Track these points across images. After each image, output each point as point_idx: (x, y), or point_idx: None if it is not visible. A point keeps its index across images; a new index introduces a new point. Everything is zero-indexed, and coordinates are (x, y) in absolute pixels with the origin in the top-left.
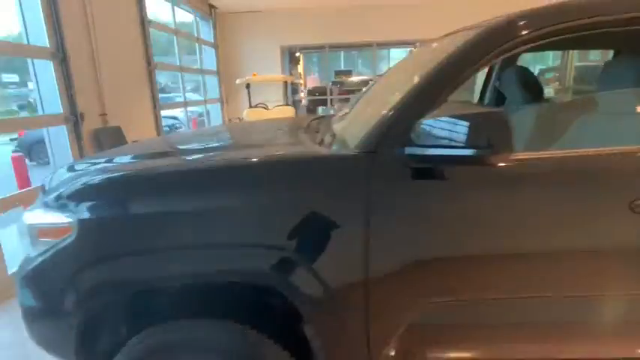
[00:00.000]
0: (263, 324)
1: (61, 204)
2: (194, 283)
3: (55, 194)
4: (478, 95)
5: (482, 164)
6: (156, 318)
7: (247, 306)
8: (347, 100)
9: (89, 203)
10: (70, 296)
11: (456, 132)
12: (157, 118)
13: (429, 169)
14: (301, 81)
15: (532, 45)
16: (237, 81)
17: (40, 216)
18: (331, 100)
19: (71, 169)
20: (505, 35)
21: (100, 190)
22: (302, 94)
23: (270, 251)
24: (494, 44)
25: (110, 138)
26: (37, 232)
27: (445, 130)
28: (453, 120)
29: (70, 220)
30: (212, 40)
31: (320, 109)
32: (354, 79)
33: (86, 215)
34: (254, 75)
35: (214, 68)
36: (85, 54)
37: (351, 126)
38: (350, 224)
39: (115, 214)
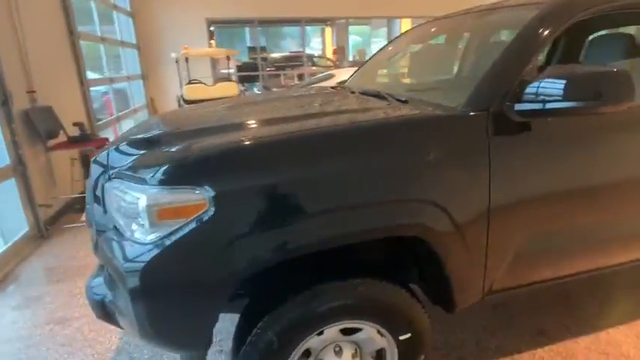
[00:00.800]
0: (395, 277)
1: (180, 180)
2: (341, 244)
3: (167, 170)
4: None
5: (587, 114)
6: (306, 284)
7: (386, 263)
8: (277, 75)
9: (224, 175)
10: (217, 275)
11: (559, 88)
12: (86, 97)
13: (535, 122)
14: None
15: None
16: (173, 55)
17: (158, 196)
18: (263, 76)
19: (139, 145)
20: (579, 6)
21: (238, 161)
22: (231, 70)
23: (417, 204)
24: (570, 15)
25: (43, 119)
26: (157, 214)
27: (547, 87)
28: (554, 79)
29: (203, 195)
30: (128, 9)
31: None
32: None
33: (225, 188)
34: (185, 49)
35: (133, 41)
36: (7, 23)
37: (429, 90)
38: (476, 173)
39: (260, 182)
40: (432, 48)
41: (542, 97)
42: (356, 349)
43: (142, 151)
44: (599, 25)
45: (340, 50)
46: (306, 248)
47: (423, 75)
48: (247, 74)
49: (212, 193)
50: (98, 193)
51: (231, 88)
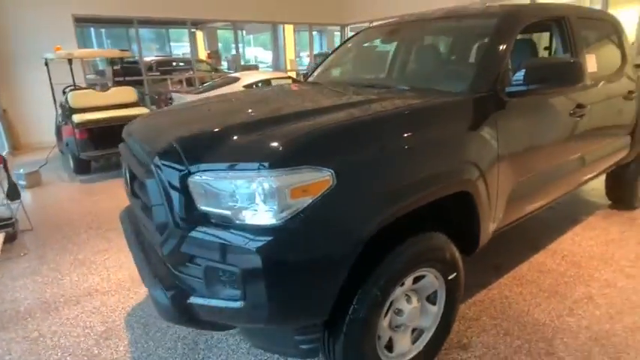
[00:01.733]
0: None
1: (306, 160)
2: (427, 202)
3: (293, 152)
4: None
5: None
6: (392, 245)
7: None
8: (163, 80)
9: (341, 152)
10: (345, 244)
11: (528, 75)
12: None
13: (518, 101)
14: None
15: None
16: (48, 55)
17: (288, 177)
18: (148, 80)
19: (225, 135)
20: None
21: (350, 138)
22: (90, 76)
23: (466, 165)
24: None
25: None
26: (290, 194)
27: (521, 75)
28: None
29: (327, 173)
30: None
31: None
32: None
33: (343, 164)
34: (57, 49)
35: None
36: None
37: (426, 78)
38: (490, 137)
39: (367, 156)
40: (415, 45)
41: (519, 82)
42: (417, 297)
43: (235, 140)
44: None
45: (215, 55)
46: (406, 208)
47: (409, 68)
48: (127, 79)
49: (334, 170)
50: (171, 192)
51: (128, 94)
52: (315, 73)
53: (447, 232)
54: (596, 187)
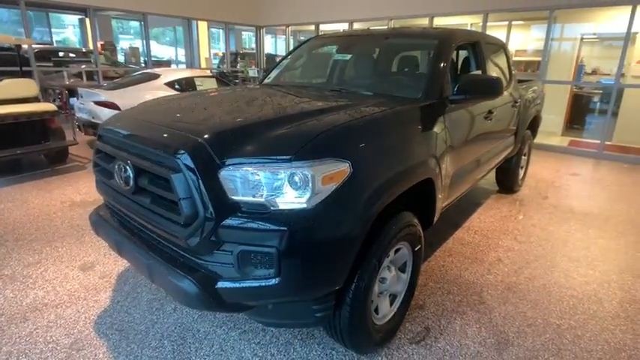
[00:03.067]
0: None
1: (333, 153)
2: (410, 186)
3: (323, 146)
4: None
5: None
6: (383, 222)
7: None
8: (58, 72)
9: (356, 145)
10: (361, 221)
11: (464, 87)
12: None
13: (457, 106)
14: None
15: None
16: None
17: (320, 167)
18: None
19: (252, 130)
20: (457, 39)
21: (358, 135)
22: None
23: (431, 157)
24: (455, 44)
25: None
26: (321, 181)
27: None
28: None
29: (347, 163)
30: None
31: None
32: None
33: (357, 155)
34: None
35: None
36: None
37: (385, 86)
38: (443, 134)
39: (372, 150)
40: (369, 57)
41: (455, 93)
42: (394, 267)
43: (264, 135)
44: None
45: (109, 46)
46: (397, 191)
47: (368, 77)
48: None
49: (350, 161)
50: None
51: (26, 87)
52: (272, 77)
53: (413, 211)
54: (488, 177)
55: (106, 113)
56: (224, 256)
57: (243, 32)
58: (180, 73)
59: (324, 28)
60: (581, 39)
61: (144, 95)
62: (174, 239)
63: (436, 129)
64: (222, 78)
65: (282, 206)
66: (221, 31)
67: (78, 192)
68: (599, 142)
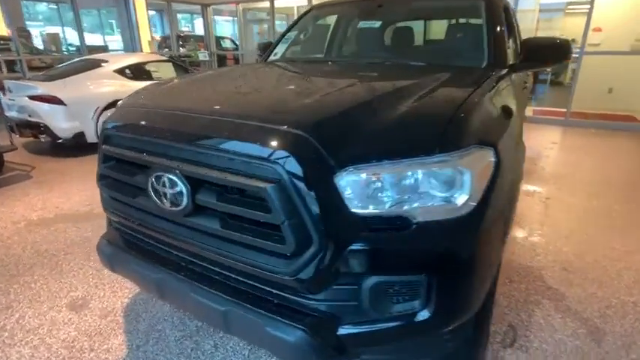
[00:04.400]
0: None
1: (472, 137)
2: None
3: (469, 137)
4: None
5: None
6: None
7: None
8: None
9: (489, 127)
10: (504, 228)
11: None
12: None
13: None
14: None
15: None
16: None
17: (471, 157)
18: None
19: (370, 115)
20: None
21: (485, 113)
22: None
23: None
24: None
25: None
26: (476, 177)
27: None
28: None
29: (490, 150)
30: None
31: None
32: None
33: (495, 138)
34: None
35: None
36: None
37: (438, 55)
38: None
39: (502, 129)
40: (406, 24)
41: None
42: None
43: (377, 122)
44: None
45: (22, 32)
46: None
47: (399, 46)
48: None
49: (494, 147)
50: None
51: None
52: (278, 53)
53: None
54: None
55: (46, 110)
56: (345, 292)
57: (178, 14)
58: (131, 58)
59: (280, 4)
60: (539, 10)
61: (90, 86)
62: (270, 275)
63: (513, 103)
64: (179, 63)
65: (427, 217)
66: (154, 12)
67: (31, 208)
68: (565, 110)
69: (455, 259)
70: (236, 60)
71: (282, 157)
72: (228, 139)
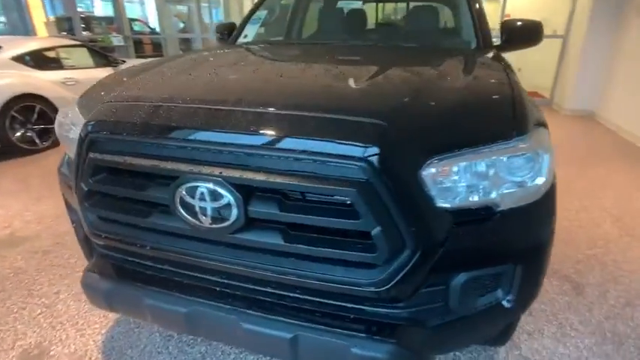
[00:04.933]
0: None
1: (533, 117)
2: None
3: (524, 110)
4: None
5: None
6: None
7: None
8: None
9: (533, 117)
10: None
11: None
12: None
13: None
14: None
15: None
16: None
17: (541, 137)
18: None
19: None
20: None
21: (527, 105)
22: None
23: None
24: None
25: None
26: (550, 157)
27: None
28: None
29: (547, 129)
30: None
31: None
32: None
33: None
34: None
35: None
36: None
37: (428, 37)
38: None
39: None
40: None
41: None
42: None
43: (443, 110)
44: None
45: None
46: None
47: (386, 28)
48: None
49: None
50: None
51: None
52: (249, 34)
53: None
54: None
55: None
56: (432, 295)
57: None
58: (32, 42)
59: None
60: None
61: None
62: (349, 289)
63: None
64: (97, 49)
65: (510, 203)
66: None
67: None
68: None
69: (536, 243)
70: (156, 46)
71: (370, 154)
72: (299, 135)
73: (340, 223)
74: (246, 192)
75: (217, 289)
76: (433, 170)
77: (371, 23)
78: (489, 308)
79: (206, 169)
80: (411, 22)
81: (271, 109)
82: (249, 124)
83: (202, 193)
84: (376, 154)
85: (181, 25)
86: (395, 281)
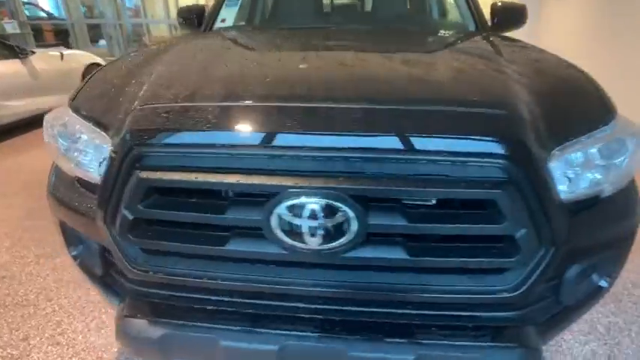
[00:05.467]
0: None
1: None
2: None
3: (604, 94)
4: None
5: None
6: None
7: None
8: None
9: None
10: None
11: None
12: None
13: None
14: None
15: None
16: None
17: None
18: None
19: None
20: None
21: None
22: None
23: None
24: None
25: None
26: None
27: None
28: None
29: None
30: None
31: None
32: None
33: None
34: None
35: None
36: None
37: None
38: None
39: None
40: None
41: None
42: None
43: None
44: None
45: None
46: None
47: (380, 10)
48: None
49: None
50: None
51: None
52: (226, 19)
53: None
54: None
55: None
56: (546, 290)
57: None
58: None
59: None
60: None
61: None
62: (476, 298)
63: None
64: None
65: (612, 189)
66: None
67: None
68: None
69: (632, 224)
70: (58, 33)
71: (513, 150)
72: (429, 134)
73: (481, 229)
74: (366, 204)
75: (316, 317)
76: (556, 162)
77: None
78: (590, 292)
79: (317, 181)
80: (414, 4)
81: (387, 106)
82: (369, 123)
83: (313, 210)
84: (518, 150)
85: (82, 9)
86: (529, 283)
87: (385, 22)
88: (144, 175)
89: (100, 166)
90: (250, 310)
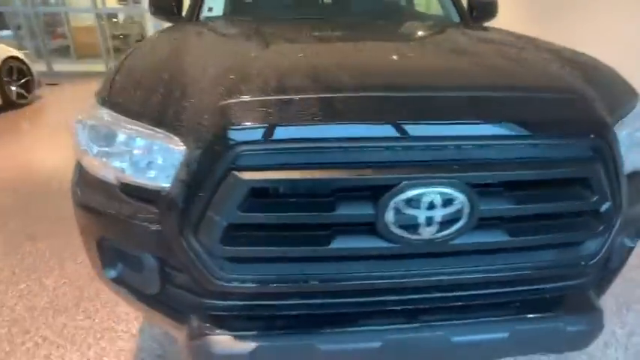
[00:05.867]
0: None
1: None
2: None
3: None
4: None
5: None
6: None
7: None
8: None
9: None
10: None
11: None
12: None
13: None
14: None
15: None
16: None
17: None
18: None
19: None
20: None
21: None
22: None
23: None
24: None
25: None
26: None
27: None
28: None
29: None
30: None
31: None
32: None
33: None
34: None
35: None
36: None
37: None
38: None
39: None
40: None
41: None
42: None
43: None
44: None
45: None
46: None
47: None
48: None
49: None
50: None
51: None
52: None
53: None
54: None
55: None
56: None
57: None
58: None
59: None
60: None
61: None
62: (564, 270)
63: None
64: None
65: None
66: None
67: None
68: None
69: None
70: None
71: (598, 127)
72: (533, 120)
73: (579, 205)
74: (478, 190)
75: (415, 308)
76: (620, 134)
77: None
78: (623, 255)
79: (435, 171)
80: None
81: (493, 93)
82: (479, 110)
83: (431, 200)
84: (604, 129)
85: None
86: (604, 251)
87: (367, 14)
88: (245, 176)
89: (172, 170)
90: (347, 310)
